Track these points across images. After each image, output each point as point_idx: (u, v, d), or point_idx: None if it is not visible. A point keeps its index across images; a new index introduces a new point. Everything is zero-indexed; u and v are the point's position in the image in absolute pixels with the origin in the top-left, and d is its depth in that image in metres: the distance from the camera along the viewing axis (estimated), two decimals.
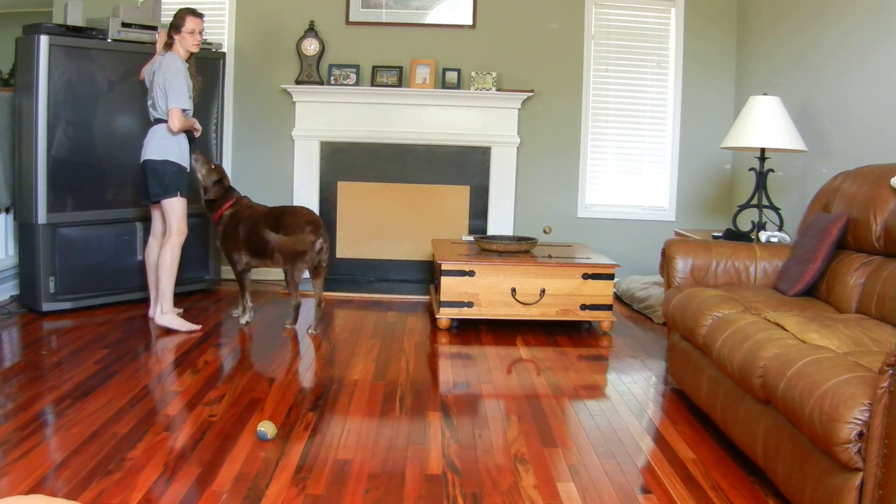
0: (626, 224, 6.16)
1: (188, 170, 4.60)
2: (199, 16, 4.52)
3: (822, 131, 4.69)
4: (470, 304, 4.78)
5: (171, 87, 4.37)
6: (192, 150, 4.65)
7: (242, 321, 4.81)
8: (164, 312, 4.58)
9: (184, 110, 4.43)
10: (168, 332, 4.54)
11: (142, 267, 5.22)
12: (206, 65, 5.55)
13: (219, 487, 2.62)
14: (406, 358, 4.21)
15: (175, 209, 4.52)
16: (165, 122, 4.45)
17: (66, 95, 4.80)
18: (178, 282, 5.42)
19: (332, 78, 5.98)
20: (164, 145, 4.47)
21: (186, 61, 4.53)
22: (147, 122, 4.57)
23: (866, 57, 4.28)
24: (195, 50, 4.55)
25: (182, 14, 4.45)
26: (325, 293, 5.70)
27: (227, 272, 5.93)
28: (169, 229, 4.55)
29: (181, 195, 4.54)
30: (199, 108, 5.57)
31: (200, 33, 4.51)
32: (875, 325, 2.99)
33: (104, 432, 3.03)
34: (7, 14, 7.34)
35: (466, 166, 6.11)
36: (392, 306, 5.47)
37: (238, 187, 6.07)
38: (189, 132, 4.61)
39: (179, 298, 5.37)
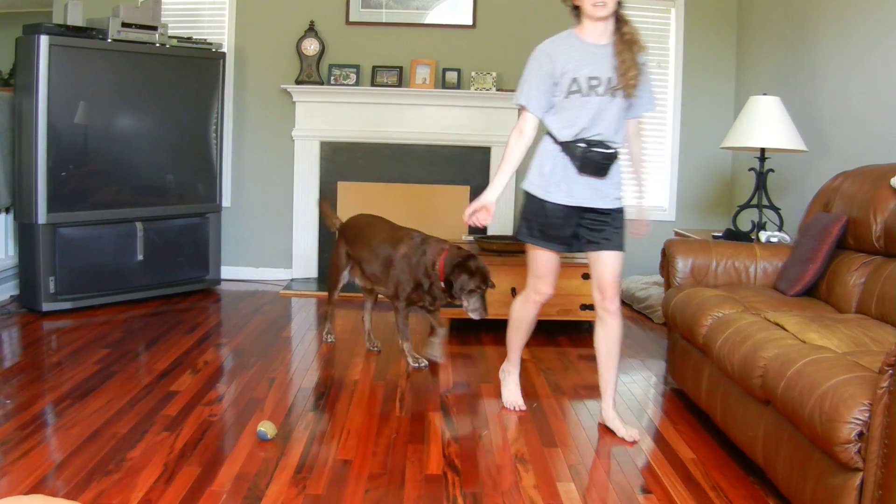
0: (626, 224, 6.14)
1: (555, 203, 3.15)
2: None
3: (822, 131, 4.69)
4: None
5: None
6: (594, 173, 3.19)
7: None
8: (605, 410, 3.25)
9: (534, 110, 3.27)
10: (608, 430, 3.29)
11: (141, 267, 5.22)
12: (206, 65, 5.55)
13: (219, 487, 2.62)
14: (406, 358, 4.21)
15: (527, 256, 3.31)
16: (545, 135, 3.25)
17: (66, 95, 4.80)
18: (178, 282, 5.46)
19: (332, 78, 5.98)
20: (529, 166, 3.28)
21: (611, 43, 3.20)
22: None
23: (866, 57, 4.28)
24: (597, 13, 3.08)
25: None
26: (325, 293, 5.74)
27: (227, 273, 5.94)
28: None
29: (532, 239, 3.20)
30: (199, 109, 5.61)
31: None
32: (875, 325, 2.99)
33: (104, 432, 3.03)
34: (7, 14, 7.34)
35: (466, 166, 6.10)
36: None
37: (238, 187, 6.15)
38: (599, 151, 3.22)
39: (179, 299, 5.39)
